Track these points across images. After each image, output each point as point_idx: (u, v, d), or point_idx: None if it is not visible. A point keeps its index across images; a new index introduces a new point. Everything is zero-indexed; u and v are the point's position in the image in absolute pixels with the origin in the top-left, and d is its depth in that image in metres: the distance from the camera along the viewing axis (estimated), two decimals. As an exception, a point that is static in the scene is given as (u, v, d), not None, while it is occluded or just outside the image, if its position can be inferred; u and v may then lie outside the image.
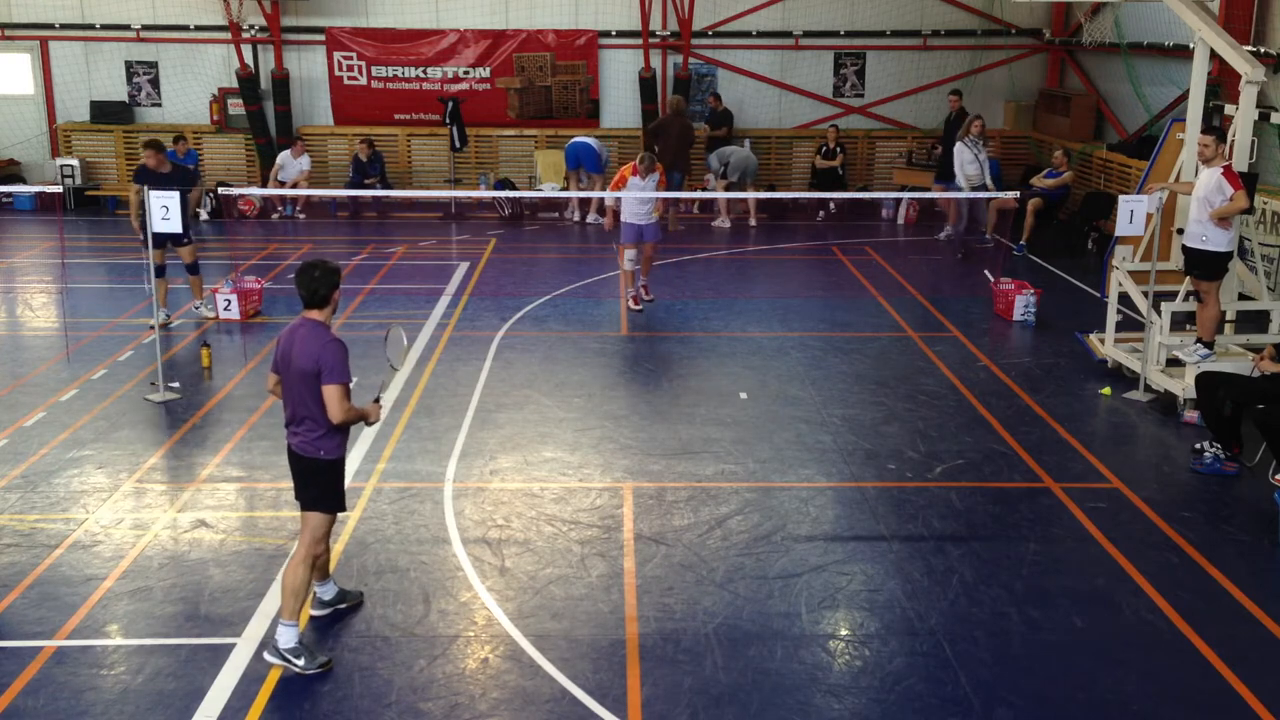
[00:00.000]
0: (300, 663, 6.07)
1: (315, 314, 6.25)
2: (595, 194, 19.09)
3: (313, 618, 6.63)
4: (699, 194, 19.53)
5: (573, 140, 19.31)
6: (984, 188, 16.05)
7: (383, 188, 19.46)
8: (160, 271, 11.90)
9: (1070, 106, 19.58)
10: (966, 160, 16.03)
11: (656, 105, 20.61)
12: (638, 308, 13.30)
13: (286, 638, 6.10)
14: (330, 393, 6.09)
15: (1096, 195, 17.46)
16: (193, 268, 12.77)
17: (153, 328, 12.03)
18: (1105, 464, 9.06)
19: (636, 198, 12.93)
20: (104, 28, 20.58)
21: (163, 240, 11.41)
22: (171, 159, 19.50)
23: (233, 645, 6.36)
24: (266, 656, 6.16)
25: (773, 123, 21.28)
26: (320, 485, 6.28)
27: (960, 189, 16.52)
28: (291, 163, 19.67)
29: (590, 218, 19.25)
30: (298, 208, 19.83)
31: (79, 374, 11.06)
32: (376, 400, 6.53)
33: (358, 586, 7.03)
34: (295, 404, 6.21)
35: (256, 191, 19.64)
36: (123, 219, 19.49)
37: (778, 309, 13.77)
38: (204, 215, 19.16)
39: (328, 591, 6.70)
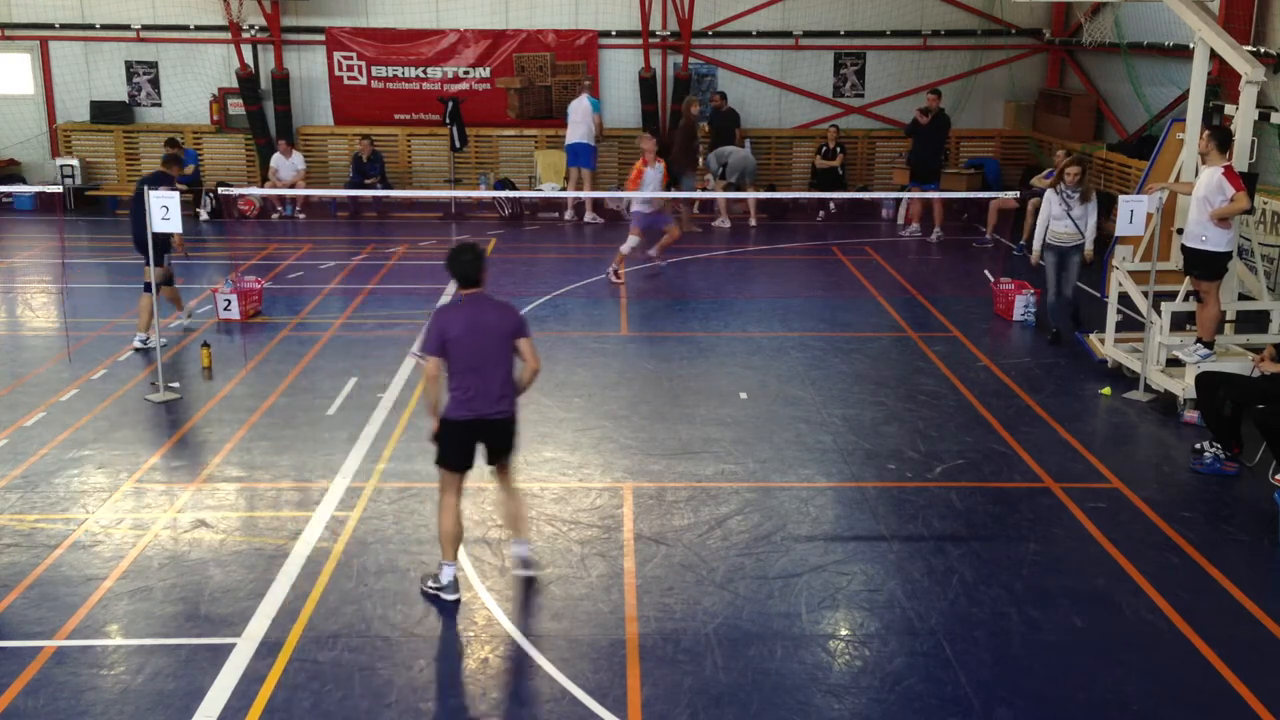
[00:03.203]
0: (533, 571, 7.08)
1: (475, 290, 6.81)
2: (595, 194, 19.10)
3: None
4: (699, 194, 19.52)
5: (568, 144, 19.29)
6: (1079, 249, 11.85)
7: (383, 188, 19.47)
8: (168, 280, 12.08)
9: (1070, 106, 19.58)
10: (1054, 215, 11.82)
11: (656, 105, 20.63)
12: (618, 280, 14.76)
13: (524, 551, 7.14)
14: (531, 344, 6.85)
15: (1096, 195, 17.44)
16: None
17: (187, 329, 12.15)
18: (1105, 464, 9.06)
19: (647, 188, 14.83)
20: (104, 28, 20.58)
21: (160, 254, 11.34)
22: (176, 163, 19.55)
23: (233, 645, 6.36)
24: (518, 573, 7.09)
25: (773, 123, 21.28)
26: (517, 431, 7.04)
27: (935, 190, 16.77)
28: (285, 163, 19.66)
29: (588, 217, 19.25)
30: (297, 208, 19.83)
31: (79, 374, 11.06)
32: None
33: (358, 586, 7.03)
34: (494, 369, 6.75)
35: (256, 191, 19.64)
36: (123, 219, 19.49)
37: (778, 309, 13.77)
38: (204, 215, 19.17)
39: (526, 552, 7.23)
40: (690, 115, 19.03)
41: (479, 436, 6.86)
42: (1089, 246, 11.87)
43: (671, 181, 16.81)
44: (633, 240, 14.84)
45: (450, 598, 6.84)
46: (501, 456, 7.04)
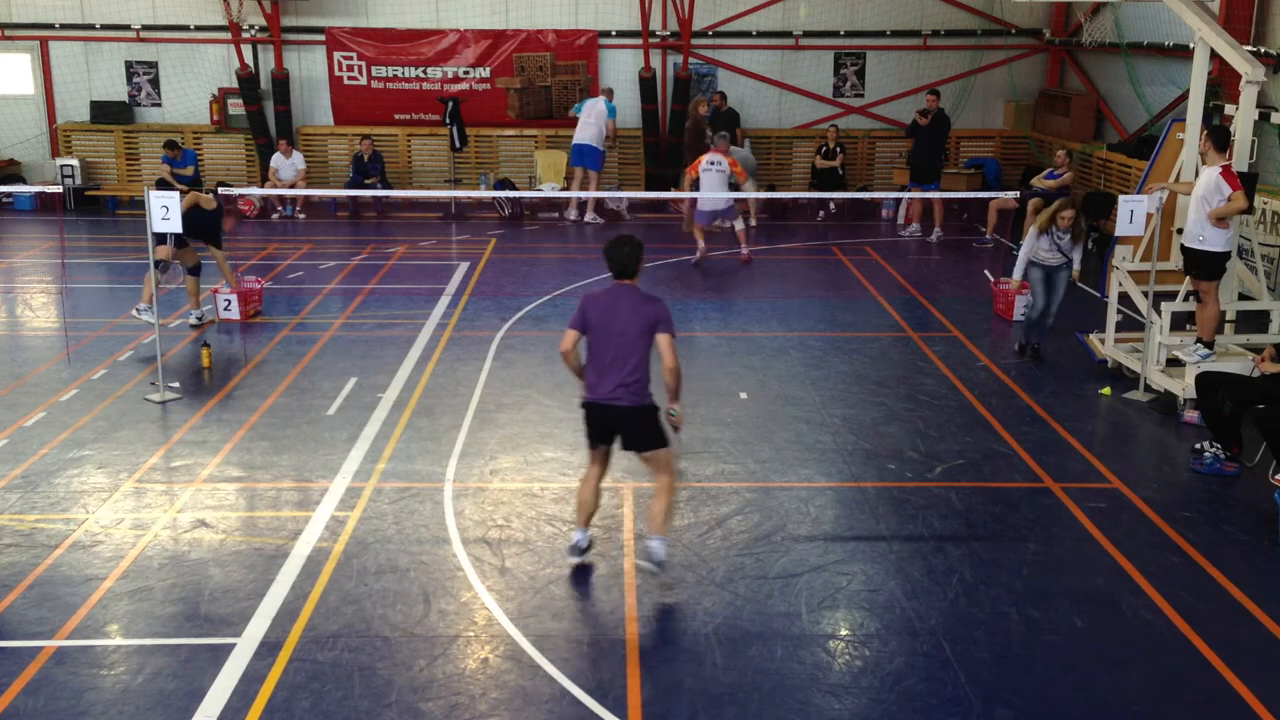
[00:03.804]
0: (662, 575, 6.96)
1: (628, 282, 6.98)
2: (595, 194, 19.10)
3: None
4: (699, 194, 19.48)
5: (575, 142, 19.29)
6: (1066, 267, 11.58)
7: (383, 188, 19.47)
8: (195, 270, 12.49)
9: (1070, 106, 19.58)
10: (1043, 247, 11.54)
11: (656, 105, 20.62)
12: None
13: (662, 551, 6.96)
14: (668, 340, 6.85)
15: (1096, 195, 17.46)
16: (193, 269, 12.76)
17: (196, 325, 12.22)
18: (1105, 464, 9.06)
19: (707, 182, 15.68)
20: (104, 28, 20.59)
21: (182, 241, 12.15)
22: (169, 160, 19.61)
23: (233, 645, 6.36)
24: (640, 563, 7.02)
25: (773, 123, 21.28)
26: (657, 425, 7.02)
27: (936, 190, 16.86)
28: (285, 163, 19.67)
29: (589, 217, 19.24)
30: (297, 208, 19.83)
31: (79, 374, 11.06)
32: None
33: (358, 586, 7.04)
34: (623, 360, 6.86)
35: (256, 191, 19.64)
36: (123, 219, 19.54)
37: (778, 309, 13.77)
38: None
39: (660, 549, 7.05)
40: (698, 116, 19.06)
41: (605, 421, 7.03)
42: (1076, 267, 11.63)
43: (674, 181, 17.00)
44: (702, 245, 15.94)
45: (571, 559, 7.25)
46: (635, 447, 7.07)
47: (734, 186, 16.04)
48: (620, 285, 7.00)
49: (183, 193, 11.81)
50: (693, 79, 20.76)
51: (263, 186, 20.00)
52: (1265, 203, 13.20)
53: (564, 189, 19.75)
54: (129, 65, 20.94)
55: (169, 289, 13.12)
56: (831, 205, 19.90)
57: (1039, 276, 11.62)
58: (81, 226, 19.15)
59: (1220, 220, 9.88)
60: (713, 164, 15.73)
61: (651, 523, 7.09)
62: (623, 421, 7.00)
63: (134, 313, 12.32)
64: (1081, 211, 11.71)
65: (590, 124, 19.05)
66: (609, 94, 19.52)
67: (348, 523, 7.91)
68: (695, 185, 15.75)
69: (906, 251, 17.28)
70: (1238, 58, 10.61)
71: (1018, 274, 11.75)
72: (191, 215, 12.09)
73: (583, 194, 19.11)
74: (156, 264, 12.00)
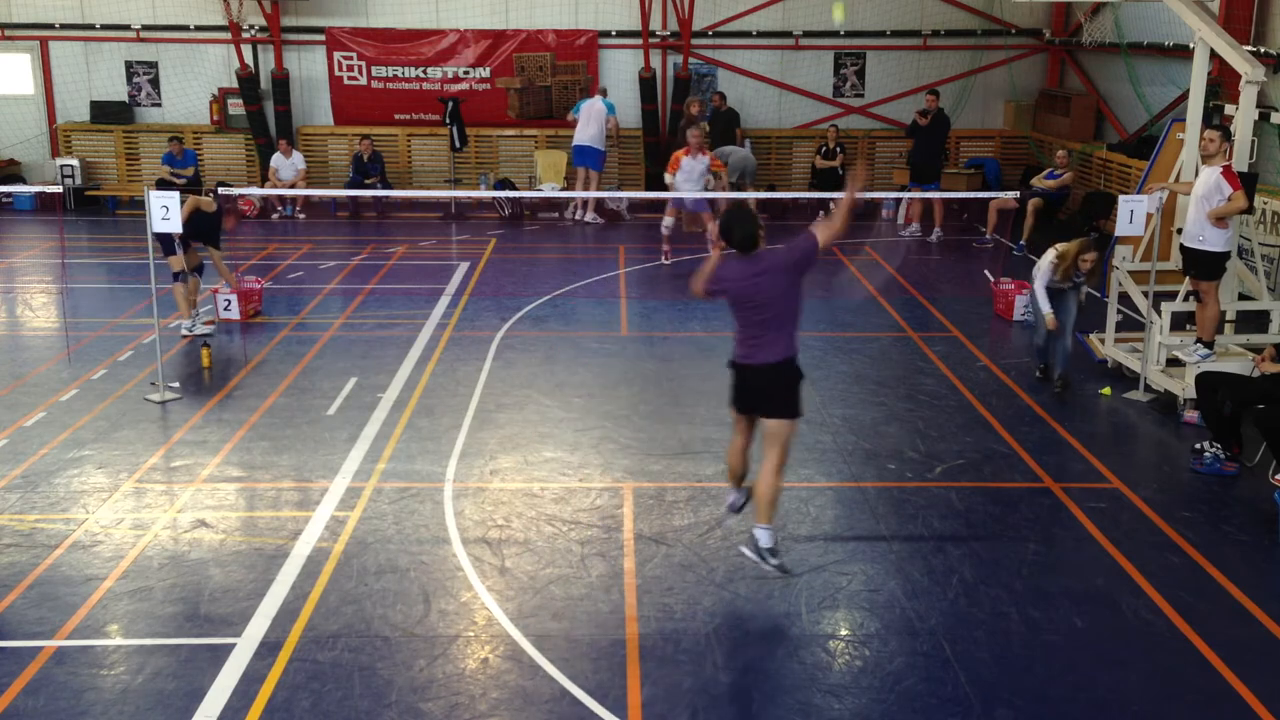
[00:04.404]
0: (774, 561, 6.94)
1: (756, 251, 6.89)
2: (595, 194, 19.10)
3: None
4: (699, 194, 19.48)
5: (575, 143, 19.28)
6: (1076, 289, 10.95)
7: (383, 188, 19.46)
8: (198, 270, 12.46)
9: (1070, 106, 19.58)
10: (1056, 280, 10.74)
11: (656, 105, 20.61)
12: (666, 262, 15.80)
13: (766, 538, 6.94)
14: (820, 234, 6.90)
15: (1096, 195, 17.47)
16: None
17: (187, 334, 12.27)
18: (1105, 464, 9.06)
19: (684, 177, 15.58)
20: (104, 28, 20.58)
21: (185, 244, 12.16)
22: (169, 161, 19.62)
23: (233, 645, 6.36)
24: (744, 550, 7.03)
25: (773, 123, 21.28)
26: (799, 390, 7.05)
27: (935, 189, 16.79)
28: (285, 163, 19.67)
29: (589, 217, 19.24)
30: (297, 208, 19.83)
31: (79, 374, 11.06)
32: None
33: (358, 586, 7.04)
34: (770, 318, 6.85)
35: (256, 191, 19.64)
36: (123, 219, 19.53)
37: (778, 309, 13.74)
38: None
39: (766, 537, 7.04)
40: (691, 115, 19.05)
41: (753, 382, 7.01)
42: (1084, 288, 11.05)
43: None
44: (668, 220, 15.90)
45: (725, 512, 7.61)
46: (770, 410, 7.00)
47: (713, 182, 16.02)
48: (754, 255, 6.90)
49: (182, 197, 11.84)
50: (693, 79, 20.76)
51: (263, 186, 20.00)
52: (1265, 203, 13.20)
53: (564, 189, 19.74)
54: (129, 65, 20.94)
55: (208, 292, 13.10)
56: (831, 205, 19.86)
57: (1044, 295, 10.81)
58: (81, 226, 19.15)
59: (1220, 220, 9.88)
60: (694, 160, 15.62)
61: (759, 508, 6.99)
62: (769, 378, 6.95)
63: (184, 332, 12.31)
64: (1097, 247, 10.78)
65: (589, 124, 19.05)
66: (603, 92, 19.51)
67: (348, 523, 7.91)
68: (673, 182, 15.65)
69: (906, 251, 17.28)
70: (1238, 58, 10.61)
71: (1045, 307, 10.57)
72: (192, 219, 12.11)
73: (583, 194, 19.11)
74: (177, 276, 12.13)
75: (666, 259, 15.84)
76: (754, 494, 7.12)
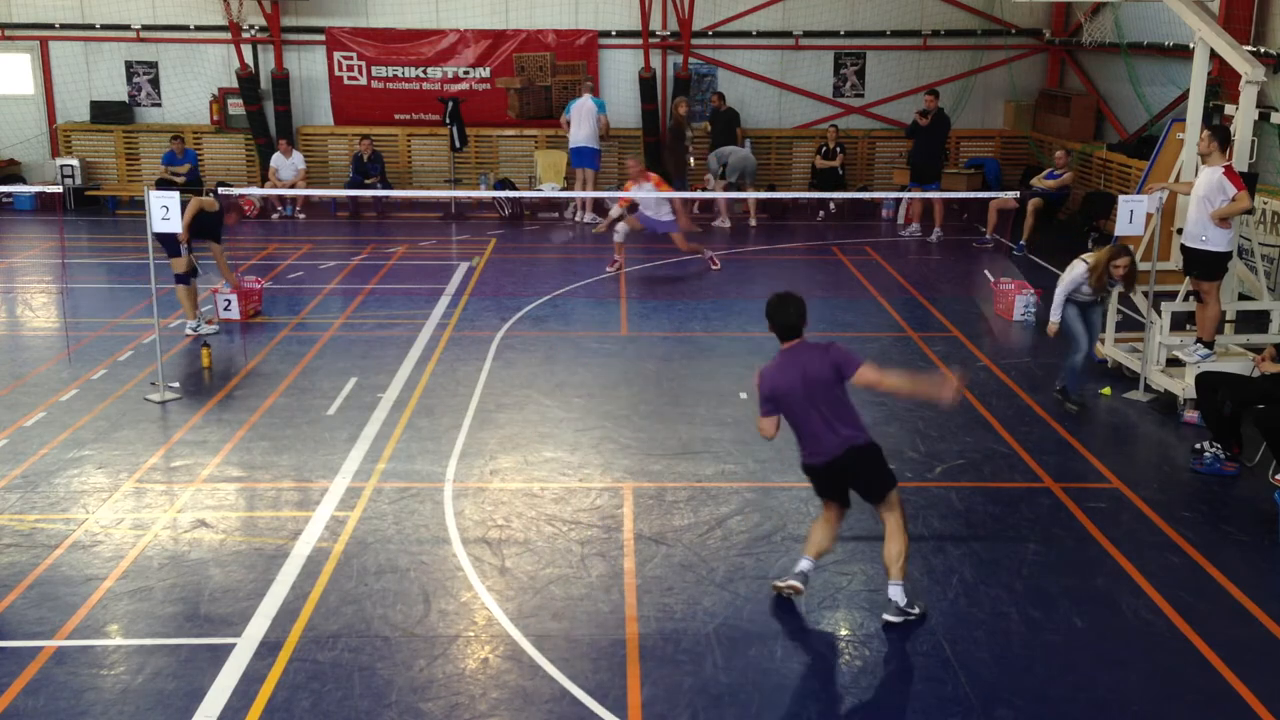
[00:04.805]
0: (915, 611, 6.65)
1: (798, 341, 6.70)
2: (595, 194, 19.10)
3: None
4: (699, 194, 19.53)
5: (572, 146, 19.27)
6: (1102, 301, 10.54)
7: (383, 188, 19.47)
8: (188, 277, 12.27)
9: (1070, 106, 19.59)
10: (1084, 292, 10.24)
11: (656, 105, 20.62)
12: (610, 269, 15.36)
13: (899, 595, 6.61)
14: (868, 369, 6.55)
15: (1096, 195, 17.47)
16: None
17: (191, 334, 12.25)
18: (1105, 464, 9.06)
19: (644, 206, 15.23)
20: (104, 28, 20.59)
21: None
22: (169, 160, 19.62)
23: (233, 645, 6.36)
24: (887, 618, 6.58)
25: (773, 123, 21.28)
26: (885, 463, 6.78)
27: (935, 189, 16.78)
28: (285, 163, 19.67)
29: (588, 218, 19.24)
30: (297, 208, 19.83)
31: (79, 374, 11.06)
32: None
33: (358, 586, 7.04)
34: (825, 418, 6.56)
35: (256, 191, 19.65)
36: (123, 219, 19.53)
37: (778, 309, 13.73)
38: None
39: (900, 596, 6.69)
40: (678, 116, 19.06)
41: (841, 474, 6.70)
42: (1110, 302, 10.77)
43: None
44: (623, 228, 15.31)
45: (789, 582, 6.80)
46: (874, 490, 6.72)
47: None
48: (793, 346, 6.65)
49: (184, 198, 11.88)
50: (693, 79, 20.76)
51: (263, 186, 19.99)
52: (1265, 203, 13.20)
53: (564, 189, 19.74)
54: (129, 65, 20.94)
55: (209, 292, 13.08)
56: (831, 205, 19.90)
57: (1074, 314, 10.28)
58: (81, 226, 19.15)
59: (1223, 220, 9.88)
60: (640, 188, 15.14)
61: (890, 568, 6.66)
62: (859, 464, 6.64)
63: (188, 331, 12.31)
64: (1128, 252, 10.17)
65: (582, 125, 19.02)
66: (591, 90, 19.49)
67: (348, 523, 7.91)
68: (633, 208, 15.34)
69: (906, 251, 17.27)
70: (1238, 58, 10.61)
71: (1056, 315, 10.23)
72: (196, 219, 12.13)
73: (582, 194, 19.11)
74: (181, 277, 12.14)
75: (611, 267, 15.34)
76: (887, 555, 6.70)
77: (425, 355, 11.70)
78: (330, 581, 7.09)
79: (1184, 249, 10.34)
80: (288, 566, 7.27)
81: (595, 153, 19.18)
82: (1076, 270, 10.19)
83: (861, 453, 6.62)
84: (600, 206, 19.45)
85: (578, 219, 19.38)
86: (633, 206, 15.33)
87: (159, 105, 21.15)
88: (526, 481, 8.68)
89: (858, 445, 6.60)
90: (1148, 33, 17.28)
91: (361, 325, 12.81)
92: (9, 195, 20.01)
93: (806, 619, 6.71)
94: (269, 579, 7.11)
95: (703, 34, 20.71)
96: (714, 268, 15.55)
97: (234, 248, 16.08)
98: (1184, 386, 10.06)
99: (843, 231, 18.60)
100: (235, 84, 20.45)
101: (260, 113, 20.45)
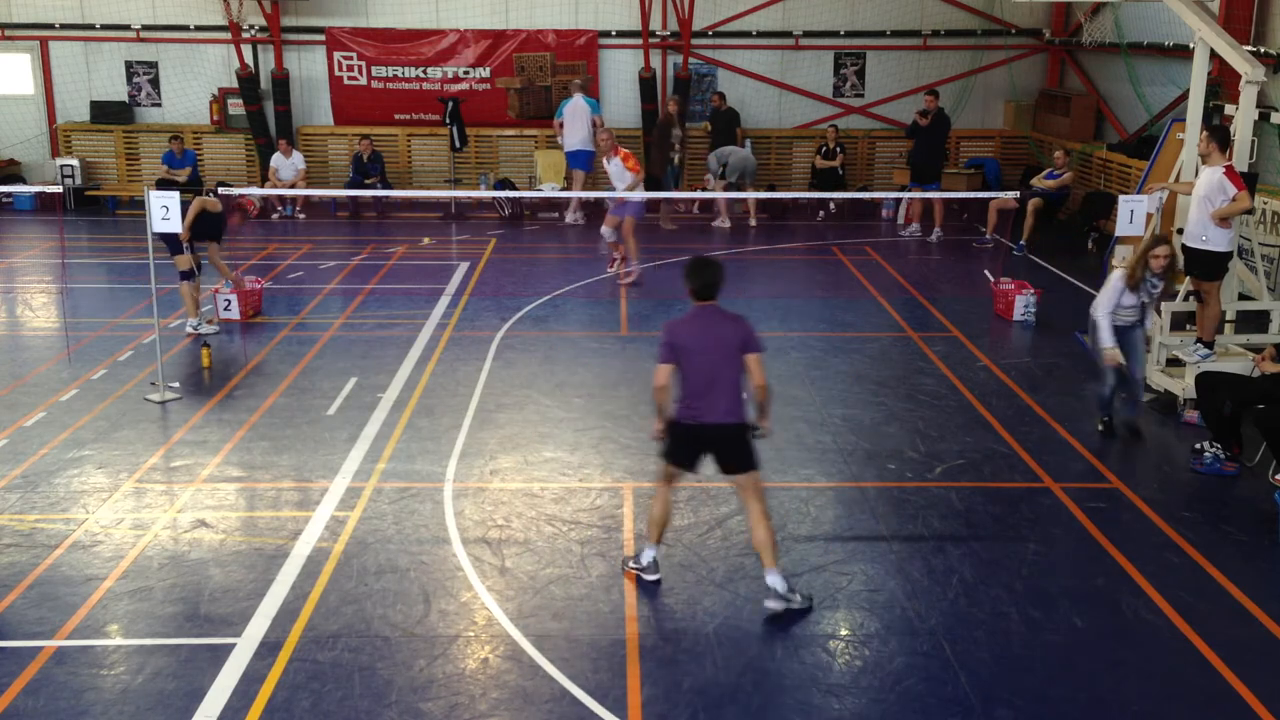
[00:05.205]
0: (797, 598, 6.78)
1: (711, 303, 6.89)
2: (593, 194, 19.09)
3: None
4: (699, 194, 19.53)
5: (566, 150, 19.23)
6: (1140, 324, 9.72)
7: (383, 188, 19.47)
8: (191, 274, 12.32)
9: (1070, 106, 19.59)
10: (1124, 303, 9.56)
11: (656, 105, 20.61)
12: (611, 270, 15.11)
13: (778, 582, 6.75)
14: (759, 359, 6.83)
15: (1096, 195, 17.48)
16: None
17: (192, 332, 12.30)
18: (1105, 464, 9.06)
19: (611, 174, 14.88)
20: (104, 28, 20.59)
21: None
22: (169, 160, 19.63)
23: (233, 645, 6.36)
24: (770, 604, 6.72)
25: (773, 123, 21.28)
26: (752, 444, 6.90)
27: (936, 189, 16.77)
28: (285, 163, 19.67)
29: (570, 218, 19.21)
30: (297, 208, 19.83)
31: (79, 374, 11.06)
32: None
33: (358, 586, 7.04)
34: (719, 380, 6.77)
35: (256, 191, 19.65)
36: (123, 219, 19.54)
37: (778, 309, 13.77)
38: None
39: (779, 583, 6.82)
40: (668, 113, 19.04)
41: (703, 443, 6.89)
42: (1149, 324, 9.87)
43: (648, 181, 17.02)
44: (606, 230, 14.93)
45: (650, 578, 7.10)
46: (733, 469, 6.91)
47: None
48: (705, 307, 6.86)
49: (186, 198, 11.90)
50: (693, 79, 20.76)
51: (263, 186, 19.99)
52: (1265, 203, 13.20)
53: (564, 189, 19.74)
54: (129, 65, 20.94)
55: (209, 292, 13.08)
56: (831, 205, 19.90)
57: (1111, 340, 9.54)
58: (81, 226, 19.15)
59: (1223, 220, 9.88)
60: (609, 163, 14.82)
61: (764, 556, 6.82)
62: (724, 442, 6.85)
63: (189, 330, 12.37)
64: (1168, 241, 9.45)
65: (575, 125, 18.96)
66: (584, 89, 19.43)
67: (348, 523, 7.91)
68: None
69: (906, 251, 17.28)
70: (1238, 58, 10.61)
71: (1108, 341, 9.44)
72: (199, 219, 12.15)
73: (583, 194, 19.11)
74: (186, 274, 12.16)
75: (611, 267, 15.10)
76: (756, 543, 6.89)
77: (425, 355, 11.70)
78: (330, 581, 7.10)
79: (1184, 249, 10.33)
80: (288, 566, 7.27)
81: (591, 155, 19.16)
82: (1113, 279, 9.59)
83: (733, 430, 6.84)
84: (580, 207, 19.40)
85: (565, 221, 19.33)
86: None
87: (159, 105, 21.15)
88: (526, 481, 8.68)
89: (732, 423, 6.82)
90: (1148, 33, 17.28)
91: (361, 325, 12.81)
92: (9, 195, 20.01)
93: (806, 619, 6.71)
94: (269, 579, 7.11)
95: (703, 34, 20.71)
96: (621, 280, 14.71)
97: (234, 248, 16.10)
98: (1184, 386, 10.06)
99: (843, 231, 18.60)
100: (235, 84, 20.45)
101: (260, 113, 20.45)
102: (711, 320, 6.83)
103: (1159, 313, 10.28)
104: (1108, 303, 9.48)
